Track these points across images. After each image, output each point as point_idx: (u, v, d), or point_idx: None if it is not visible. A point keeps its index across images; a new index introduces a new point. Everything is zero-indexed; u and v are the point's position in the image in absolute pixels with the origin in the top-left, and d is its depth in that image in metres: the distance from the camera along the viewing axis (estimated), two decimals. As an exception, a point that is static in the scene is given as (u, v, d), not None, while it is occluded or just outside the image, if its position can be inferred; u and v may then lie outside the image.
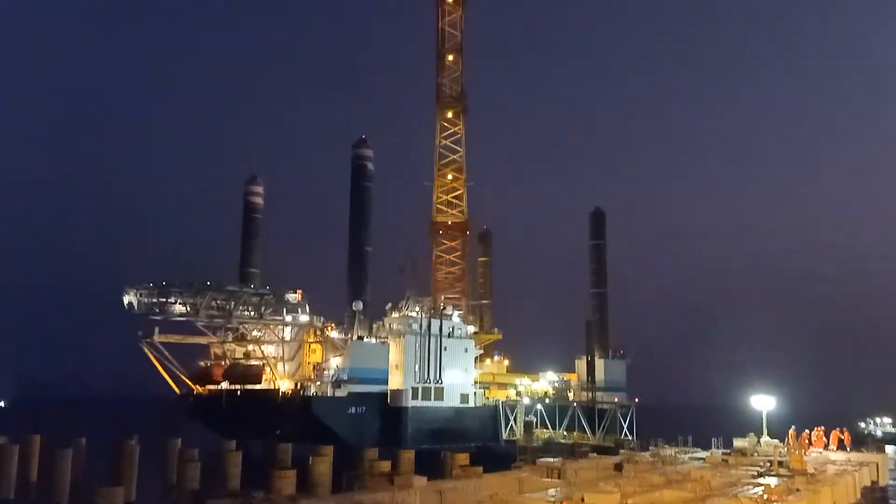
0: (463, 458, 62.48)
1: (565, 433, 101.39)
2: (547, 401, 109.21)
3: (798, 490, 34.71)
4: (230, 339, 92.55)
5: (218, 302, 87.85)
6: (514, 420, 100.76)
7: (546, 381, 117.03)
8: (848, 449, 58.32)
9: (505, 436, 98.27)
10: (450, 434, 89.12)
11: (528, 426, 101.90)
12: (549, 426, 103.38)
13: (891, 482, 72.20)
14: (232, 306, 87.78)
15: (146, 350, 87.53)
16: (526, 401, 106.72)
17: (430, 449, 76.09)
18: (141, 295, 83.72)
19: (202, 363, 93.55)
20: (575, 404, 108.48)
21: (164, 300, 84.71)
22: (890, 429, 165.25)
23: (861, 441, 69.83)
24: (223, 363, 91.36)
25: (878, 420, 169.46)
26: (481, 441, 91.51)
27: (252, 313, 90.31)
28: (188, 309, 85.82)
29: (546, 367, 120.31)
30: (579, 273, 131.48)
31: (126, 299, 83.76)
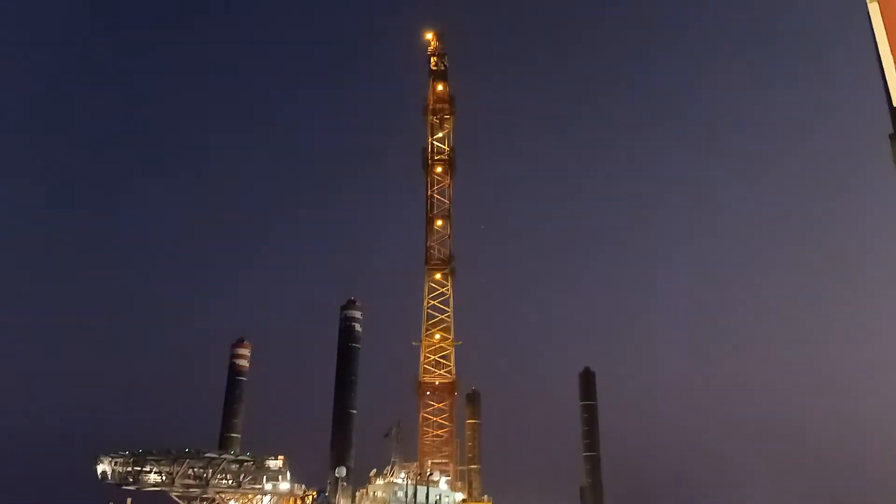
0: None
1: None
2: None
3: None
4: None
5: (195, 470, 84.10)
6: None
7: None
8: None
9: None
10: None
11: None
12: None
13: None
14: (210, 474, 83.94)
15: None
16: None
17: None
18: (116, 464, 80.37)
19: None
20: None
21: (139, 469, 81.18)
22: None
23: None
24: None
25: None
26: None
27: (230, 481, 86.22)
28: (163, 478, 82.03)
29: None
30: (572, 434, 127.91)
31: (100, 468, 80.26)
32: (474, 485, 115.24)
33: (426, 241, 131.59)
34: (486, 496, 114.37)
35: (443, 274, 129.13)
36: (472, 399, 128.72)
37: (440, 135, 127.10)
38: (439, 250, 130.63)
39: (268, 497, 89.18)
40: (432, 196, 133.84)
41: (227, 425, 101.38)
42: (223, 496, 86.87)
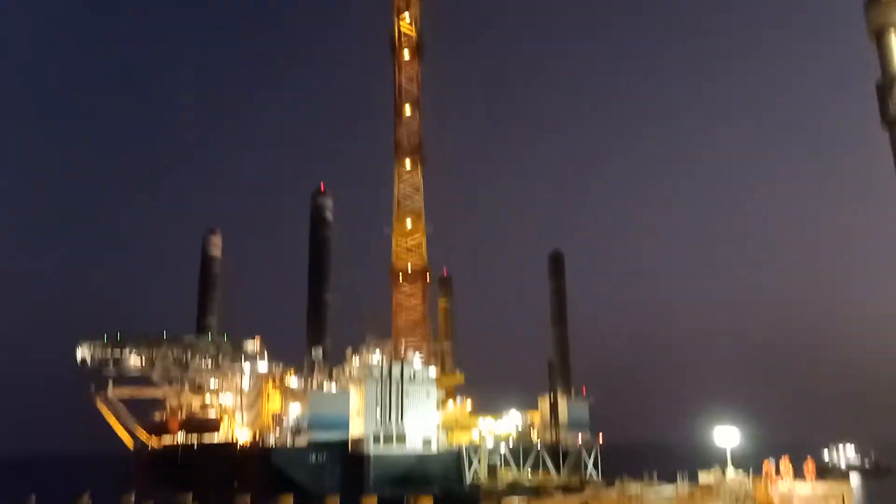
0: (426, 501, 61.57)
1: (530, 474, 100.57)
2: (510, 442, 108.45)
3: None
4: (186, 390, 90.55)
5: (174, 354, 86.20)
6: (478, 463, 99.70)
7: (509, 421, 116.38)
8: (812, 479, 58.82)
9: (469, 479, 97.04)
10: (413, 479, 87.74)
11: (492, 469, 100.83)
12: (514, 467, 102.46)
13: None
14: (189, 357, 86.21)
15: (100, 405, 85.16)
16: (489, 443, 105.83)
17: (393, 495, 74.78)
18: (95, 349, 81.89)
19: (158, 416, 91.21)
20: (539, 444, 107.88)
21: (118, 354, 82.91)
22: (852, 457, 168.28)
23: (825, 470, 70.72)
24: (179, 415, 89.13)
25: (841, 447, 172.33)
26: (445, 485, 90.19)
27: (209, 363, 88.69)
28: (143, 363, 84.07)
29: (509, 407, 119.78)
30: (540, 314, 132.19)
31: (80, 354, 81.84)
32: (447, 362, 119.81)
33: (395, 129, 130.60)
34: (457, 370, 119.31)
35: (412, 161, 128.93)
36: (444, 283, 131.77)
37: (406, 16, 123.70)
38: (408, 138, 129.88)
39: (247, 377, 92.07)
40: (400, 83, 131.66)
41: (203, 311, 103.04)
42: (204, 377, 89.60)
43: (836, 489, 54.62)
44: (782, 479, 57.07)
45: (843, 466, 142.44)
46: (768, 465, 57.00)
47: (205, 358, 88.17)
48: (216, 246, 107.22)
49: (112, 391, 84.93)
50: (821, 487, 55.18)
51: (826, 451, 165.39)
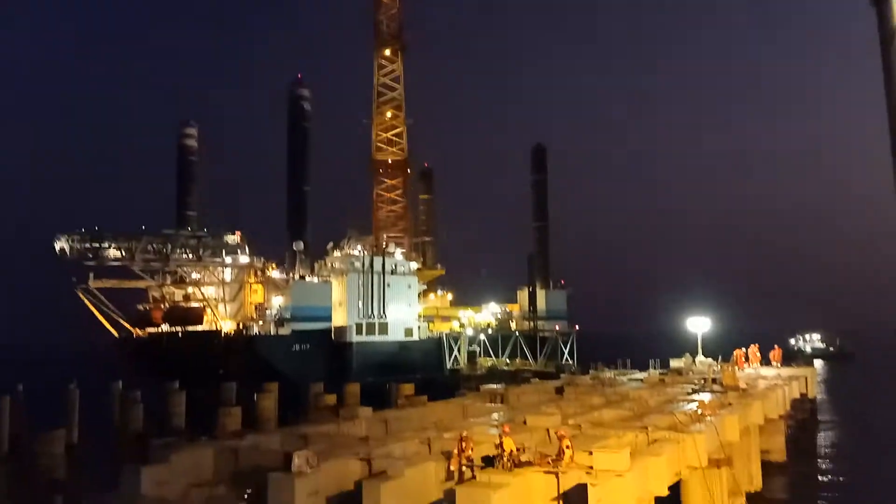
0: (408, 388, 63.32)
1: (508, 361, 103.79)
2: (490, 331, 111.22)
3: (730, 404, 36.37)
4: (169, 283, 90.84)
5: (154, 246, 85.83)
6: (458, 351, 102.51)
7: (489, 313, 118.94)
8: (779, 365, 61.24)
9: (449, 366, 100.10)
10: (395, 367, 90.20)
11: (471, 356, 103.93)
12: (492, 355, 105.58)
13: (819, 394, 76.59)
14: (169, 250, 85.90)
15: (81, 296, 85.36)
16: (469, 332, 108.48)
17: (375, 382, 76.95)
18: (73, 241, 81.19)
19: (141, 307, 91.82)
20: (517, 334, 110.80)
21: (97, 245, 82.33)
22: (818, 344, 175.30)
23: (791, 357, 73.42)
24: (162, 306, 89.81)
25: (807, 336, 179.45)
26: (426, 372, 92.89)
27: (190, 256, 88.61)
28: (123, 254, 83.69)
29: (489, 300, 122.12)
30: (521, 208, 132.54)
31: (58, 246, 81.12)
32: (428, 255, 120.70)
33: (375, 13, 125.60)
34: (439, 265, 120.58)
35: (393, 49, 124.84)
36: (425, 176, 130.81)
37: None
38: (388, 23, 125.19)
39: (229, 270, 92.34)
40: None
41: (182, 204, 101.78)
42: (185, 270, 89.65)
43: (800, 373, 57.00)
44: (750, 364, 59.29)
45: (808, 352, 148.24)
46: (739, 352, 59.07)
47: (185, 251, 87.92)
48: (192, 137, 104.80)
49: (93, 282, 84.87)
50: (786, 371, 57.63)
51: (793, 339, 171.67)
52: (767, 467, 43.71)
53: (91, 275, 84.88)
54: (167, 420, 58.87)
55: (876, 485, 42.28)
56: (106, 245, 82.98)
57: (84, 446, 55.22)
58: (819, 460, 52.68)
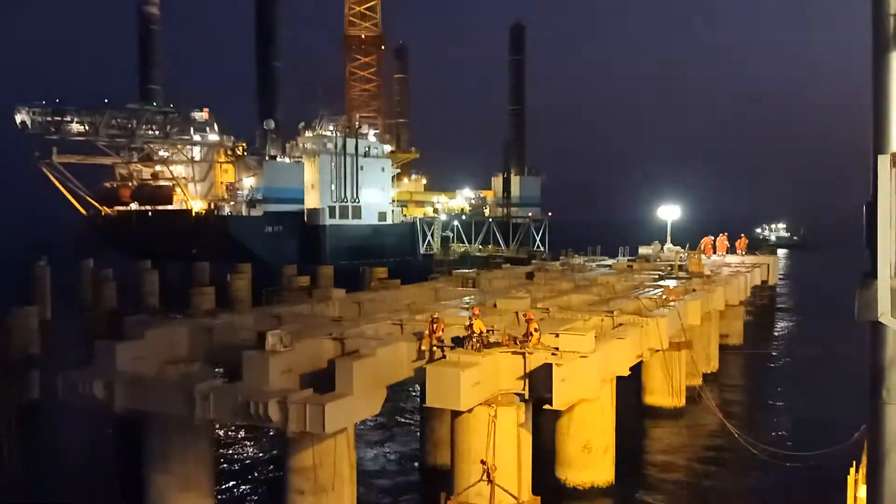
0: (381, 271, 64.23)
1: (481, 247, 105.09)
2: (463, 217, 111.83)
3: (694, 290, 37.51)
4: (135, 160, 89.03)
5: (118, 121, 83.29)
6: (432, 236, 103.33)
7: (463, 198, 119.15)
8: (743, 253, 62.85)
9: (423, 251, 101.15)
10: (368, 251, 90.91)
11: (444, 241, 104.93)
12: (466, 241, 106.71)
13: (779, 281, 79.19)
14: (134, 125, 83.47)
15: (45, 171, 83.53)
16: (443, 217, 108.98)
17: (349, 265, 77.73)
18: (34, 114, 78.40)
19: (108, 184, 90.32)
20: (490, 220, 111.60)
21: (59, 119, 79.68)
22: (783, 234, 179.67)
23: (755, 245, 75.21)
24: (130, 184, 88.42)
25: (773, 226, 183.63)
26: (399, 256, 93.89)
27: (157, 132, 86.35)
28: (86, 128, 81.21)
29: (463, 185, 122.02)
30: (498, 91, 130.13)
31: (18, 118, 78.36)
32: (402, 138, 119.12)
33: None
34: (413, 148, 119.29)
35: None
36: (400, 53, 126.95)
37: None
38: None
39: (198, 148, 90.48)
40: None
41: (145, 77, 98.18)
42: (152, 147, 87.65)
43: (763, 261, 58.73)
44: (716, 252, 60.85)
45: (773, 241, 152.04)
46: (707, 240, 60.43)
47: (152, 127, 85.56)
48: (154, 4, 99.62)
49: (57, 157, 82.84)
50: (749, 259, 59.31)
51: (759, 229, 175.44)
52: (725, 350, 45.78)
53: (54, 149, 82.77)
54: (141, 298, 59.34)
55: (825, 367, 44.59)
56: (68, 119, 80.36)
57: (56, 323, 55.67)
58: (774, 344, 55.23)
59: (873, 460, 6.19)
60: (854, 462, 13.73)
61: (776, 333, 60.48)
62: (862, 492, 6.65)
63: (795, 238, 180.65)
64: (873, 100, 6.26)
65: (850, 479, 14.20)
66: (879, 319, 5.73)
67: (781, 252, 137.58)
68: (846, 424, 17.10)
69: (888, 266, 5.71)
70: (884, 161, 5.83)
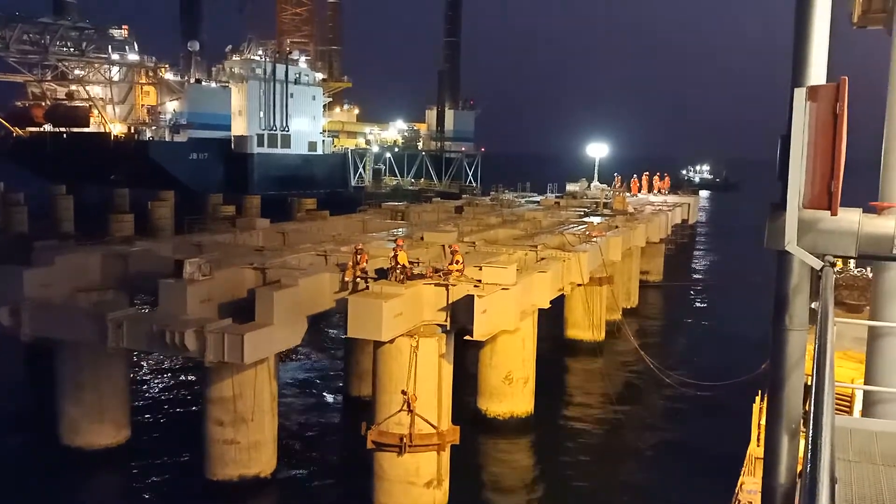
0: (310, 202, 63.26)
1: (413, 181, 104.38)
2: (396, 150, 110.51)
3: (617, 227, 38.25)
4: (49, 78, 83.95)
5: (30, 36, 78.07)
6: (363, 168, 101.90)
7: (395, 131, 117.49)
8: (665, 192, 64.42)
9: (354, 183, 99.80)
10: (298, 181, 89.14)
11: (376, 174, 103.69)
12: (398, 174, 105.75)
13: (700, 220, 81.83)
14: (48, 41, 78.46)
15: (-51, 87, 78.09)
16: (375, 149, 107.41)
17: (277, 195, 76.12)
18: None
19: (19, 104, 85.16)
20: (423, 153, 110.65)
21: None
22: (707, 176, 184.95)
23: (678, 186, 77.14)
24: (43, 104, 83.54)
25: (697, 168, 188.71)
26: (329, 188, 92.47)
27: (72, 49, 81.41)
28: (-6, 42, 75.88)
29: (396, 117, 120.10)
30: (434, 21, 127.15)
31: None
32: (334, 66, 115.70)
33: None
34: (345, 77, 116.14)
35: None
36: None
37: None
38: None
39: (117, 68, 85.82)
40: None
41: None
42: (67, 65, 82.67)
43: (684, 200, 60.43)
44: (641, 191, 62.18)
45: (696, 182, 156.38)
46: (634, 181, 61.59)
47: (66, 43, 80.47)
48: None
49: (-38, 73, 77.58)
50: (672, 199, 60.89)
51: (685, 171, 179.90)
52: (646, 286, 47.24)
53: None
54: (54, 224, 56.78)
55: (739, 301, 46.61)
56: (-26, 32, 74.87)
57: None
58: (692, 280, 57.31)
59: (773, 385, 6.36)
60: (760, 391, 14.37)
61: (694, 270, 62.73)
62: (765, 419, 6.93)
63: (718, 179, 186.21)
64: (794, 32, 6.22)
65: (756, 406, 14.91)
66: (786, 248, 5.78)
67: (704, 193, 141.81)
68: (757, 356, 17.88)
69: (797, 196, 5.74)
70: (799, 93, 5.82)
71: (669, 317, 45.70)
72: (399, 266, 19.79)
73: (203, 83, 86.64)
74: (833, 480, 3.36)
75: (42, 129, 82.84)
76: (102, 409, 21.69)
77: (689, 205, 59.58)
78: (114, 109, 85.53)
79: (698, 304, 49.89)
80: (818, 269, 5.77)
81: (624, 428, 26.05)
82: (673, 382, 28.25)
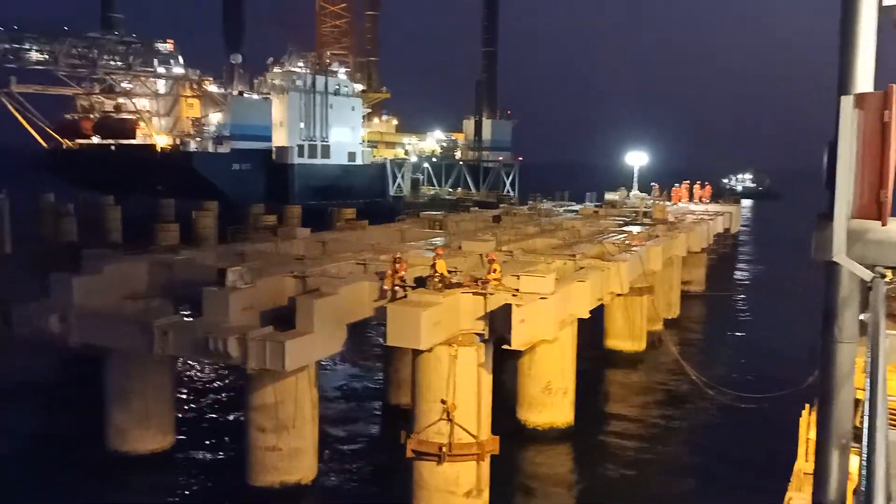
0: (349, 212, 63.85)
1: (450, 190, 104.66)
2: (434, 159, 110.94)
3: (657, 236, 37.82)
4: (97, 91, 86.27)
5: (79, 50, 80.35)
6: (402, 178, 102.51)
7: (433, 141, 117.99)
8: (707, 201, 63.51)
9: (392, 192, 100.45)
10: (337, 191, 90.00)
11: (414, 183, 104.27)
12: (436, 183, 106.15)
13: (742, 229, 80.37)
14: (95, 55, 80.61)
15: (4, 101, 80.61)
16: (413, 159, 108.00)
17: (317, 205, 76.93)
18: (-10, 42, 75.31)
19: (69, 116, 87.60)
20: (461, 163, 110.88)
21: (17, 46, 76.61)
22: (749, 184, 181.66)
23: (720, 194, 76.02)
24: (92, 116, 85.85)
25: (739, 176, 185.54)
26: (368, 198, 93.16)
27: (119, 63, 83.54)
28: (46, 57, 78.26)
29: (434, 127, 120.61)
30: (472, 31, 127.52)
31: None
32: (373, 77, 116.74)
33: None
34: (384, 88, 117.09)
35: None
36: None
37: None
38: None
39: (162, 81, 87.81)
40: None
41: (105, 4, 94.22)
42: (114, 78, 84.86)
43: (726, 209, 59.47)
44: (692, 199, 61.64)
45: (739, 191, 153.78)
46: (675, 189, 60.95)
47: (114, 57, 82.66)
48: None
49: (15, 86, 79.90)
50: (713, 207, 59.99)
51: (727, 179, 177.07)
52: (687, 296, 46.56)
53: (13, 78, 79.81)
54: (102, 234, 58.23)
55: (785, 311, 45.64)
56: (27, 46, 77.33)
57: (16, 257, 54.43)
58: (735, 290, 56.29)
59: (823, 398, 6.23)
60: (808, 405, 14.04)
61: (737, 280, 61.63)
62: (814, 433, 6.79)
63: (761, 188, 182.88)
64: (840, 39, 6.13)
65: (803, 420, 14.55)
66: (834, 259, 5.68)
67: (748, 202, 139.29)
68: (803, 368, 17.49)
69: (845, 206, 5.64)
70: (846, 101, 5.73)
71: (712, 327, 44.96)
72: (438, 275, 19.86)
73: (245, 95, 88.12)
74: (889, 498, 3.29)
75: (90, 141, 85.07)
76: (148, 415, 22.15)
77: (731, 214, 58.63)
78: (159, 121, 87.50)
79: (742, 315, 48.95)
80: (868, 280, 5.66)
81: (666, 440, 25.67)
82: (716, 395, 27.73)
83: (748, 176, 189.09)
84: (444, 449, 18.02)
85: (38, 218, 63.34)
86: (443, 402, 18.13)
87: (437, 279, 19.74)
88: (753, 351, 38.24)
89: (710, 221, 49.86)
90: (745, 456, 23.67)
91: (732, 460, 23.71)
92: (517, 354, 23.11)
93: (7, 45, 76.03)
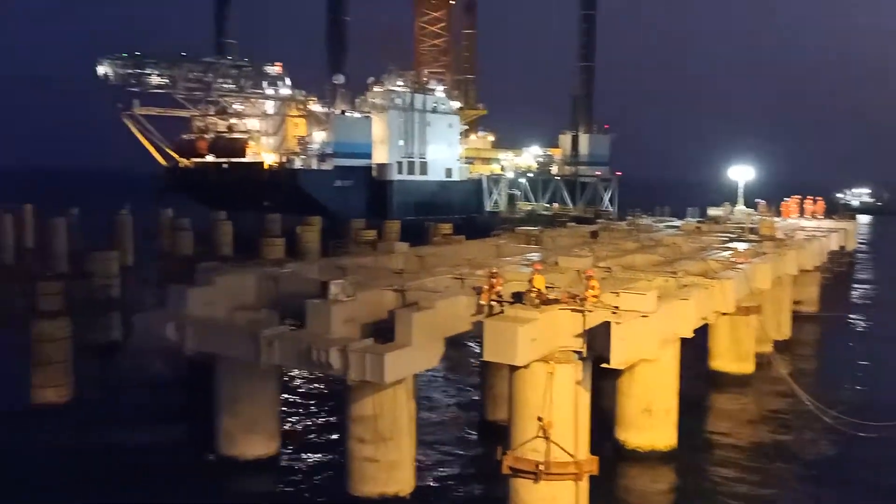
0: (446, 227, 64.36)
1: (547, 205, 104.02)
2: (530, 175, 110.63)
3: (765, 253, 36.23)
4: (212, 113, 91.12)
5: (195, 74, 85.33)
6: (498, 193, 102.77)
7: (530, 156, 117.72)
8: (819, 217, 60.36)
9: (489, 208, 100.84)
10: (434, 206, 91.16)
11: (511, 199, 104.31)
12: (532, 199, 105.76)
13: (859, 247, 75.84)
14: (211, 78, 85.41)
15: (127, 123, 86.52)
16: (510, 175, 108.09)
17: (415, 220, 78.14)
18: (116, 65, 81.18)
19: (186, 136, 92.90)
20: (558, 178, 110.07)
21: (139, 71, 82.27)
22: (866, 199, 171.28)
23: (834, 210, 72.14)
24: (206, 136, 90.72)
25: (855, 191, 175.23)
26: (465, 213, 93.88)
27: (232, 85, 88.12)
28: (166, 80, 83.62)
29: (530, 143, 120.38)
30: (568, 46, 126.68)
31: (101, 70, 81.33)
32: (470, 94, 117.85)
33: None
34: (480, 104, 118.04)
35: None
36: (469, 8, 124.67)
37: None
38: None
39: (271, 102, 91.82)
40: None
41: (221, 31, 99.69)
42: (227, 100, 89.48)
43: (840, 226, 56.19)
44: (792, 215, 58.72)
45: (855, 206, 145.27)
46: (785, 204, 58.31)
47: (227, 80, 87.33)
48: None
49: (138, 109, 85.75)
50: (826, 223, 56.83)
51: (841, 193, 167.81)
52: (799, 317, 44.21)
53: (136, 101, 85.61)
54: (215, 248, 61.21)
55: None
56: (148, 72, 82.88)
57: (137, 269, 58.13)
58: (851, 311, 53.01)
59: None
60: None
61: (854, 300, 58.09)
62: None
63: (880, 203, 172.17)
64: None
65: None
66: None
67: (864, 218, 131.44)
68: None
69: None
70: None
71: (826, 350, 42.58)
72: (535, 290, 19.77)
73: (347, 114, 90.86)
74: None
75: (205, 160, 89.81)
76: (255, 421, 23.08)
77: (846, 230, 55.43)
78: (268, 140, 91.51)
79: (860, 337, 46.00)
80: None
81: (776, 467, 24.46)
82: (832, 421, 26.17)
83: (865, 190, 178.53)
84: (540, 467, 17.85)
85: (157, 232, 67.40)
86: (539, 419, 17.99)
87: (534, 294, 19.66)
88: (873, 376, 35.87)
89: (824, 238, 47.35)
90: (864, 486, 22.29)
91: (849, 491, 22.36)
92: (616, 373, 22.64)
93: (130, 71, 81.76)
